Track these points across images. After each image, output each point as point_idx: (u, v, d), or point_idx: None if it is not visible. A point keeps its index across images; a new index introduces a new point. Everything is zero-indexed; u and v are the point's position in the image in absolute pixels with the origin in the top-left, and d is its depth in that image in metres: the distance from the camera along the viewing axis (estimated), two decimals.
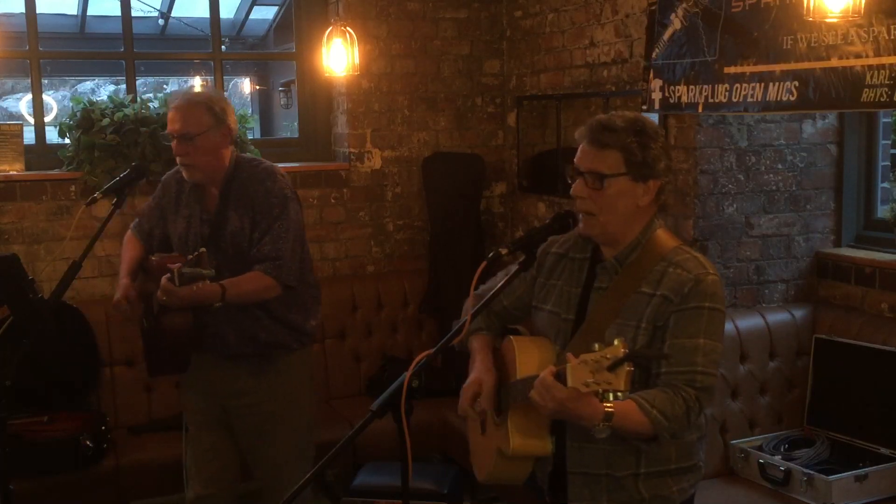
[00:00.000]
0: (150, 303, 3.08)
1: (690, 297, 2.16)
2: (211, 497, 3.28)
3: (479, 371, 2.38)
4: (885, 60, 2.78)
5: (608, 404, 1.95)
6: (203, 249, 2.84)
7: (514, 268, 2.36)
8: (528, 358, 2.29)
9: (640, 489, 2.24)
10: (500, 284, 2.30)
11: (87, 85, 12.49)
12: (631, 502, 2.24)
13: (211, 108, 3.04)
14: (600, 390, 1.90)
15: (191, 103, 3.06)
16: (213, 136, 3.04)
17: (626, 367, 1.87)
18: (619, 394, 1.89)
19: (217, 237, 3.07)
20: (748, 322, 3.71)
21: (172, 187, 3.22)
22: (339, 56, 4.55)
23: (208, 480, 3.28)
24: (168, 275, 2.83)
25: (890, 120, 3.97)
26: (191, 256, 2.81)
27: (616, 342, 1.89)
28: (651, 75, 3.79)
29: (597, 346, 1.92)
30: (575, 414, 2.01)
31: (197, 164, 3.05)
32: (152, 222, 3.27)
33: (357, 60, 4.58)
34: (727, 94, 3.39)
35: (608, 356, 1.88)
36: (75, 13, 9.24)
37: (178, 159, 3.07)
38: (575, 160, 2.25)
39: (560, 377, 2.00)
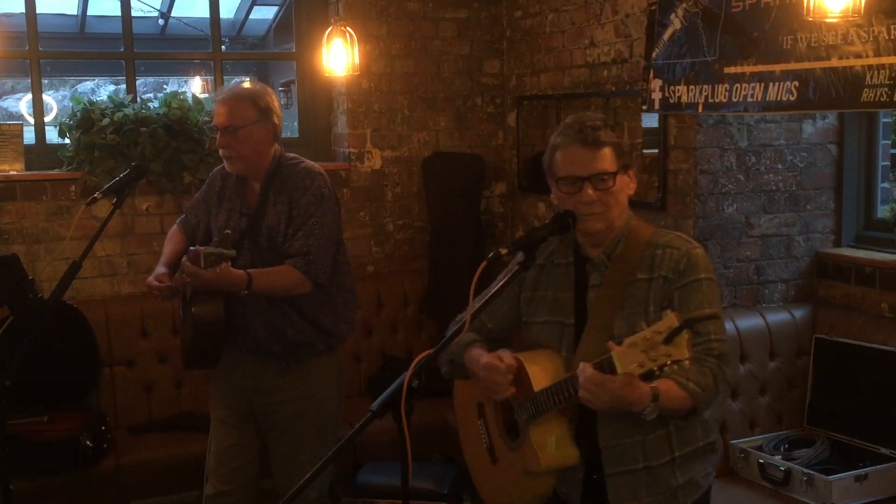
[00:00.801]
0: (184, 293, 3.13)
1: (687, 272, 2.22)
2: (229, 494, 3.28)
3: (493, 355, 2.32)
4: (885, 60, 2.78)
5: (653, 385, 2.00)
6: (228, 231, 2.87)
7: (493, 287, 2.35)
8: (540, 369, 2.28)
9: (676, 474, 2.26)
10: (500, 285, 2.29)
11: (87, 85, 12.48)
12: (667, 492, 2.27)
13: (256, 103, 3.09)
14: (656, 367, 1.91)
15: (236, 97, 3.11)
16: (256, 130, 3.08)
17: (685, 335, 1.89)
18: (683, 362, 1.90)
19: (254, 231, 3.11)
20: (748, 322, 3.72)
21: (217, 182, 3.27)
22: (339, 56, 4.55)
23: (228, 477, 3.28)
24: (192, 256, 2.88)
25: (890, 120, 3.97)
26: (216, 238, 2.84)
27: (665, 315, 1.91)
28: (651, 75, 3.79)
29: (642, 324, 1.94)
30: (628, 401, 2.02)
31: (238, 156, 3.09)
32: (198, 216, 3.31)
33: (357, 60, 4.58)
34: (727, 94, 3.39)
35: (661, 330, 1.90)
36: (75, 13, 9.23)
37: (220, 151, 3.12)
38: (567, 170, 2.24)
39: (602, 367, 2.01)
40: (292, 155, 3.26)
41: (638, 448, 2.25)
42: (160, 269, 3.19)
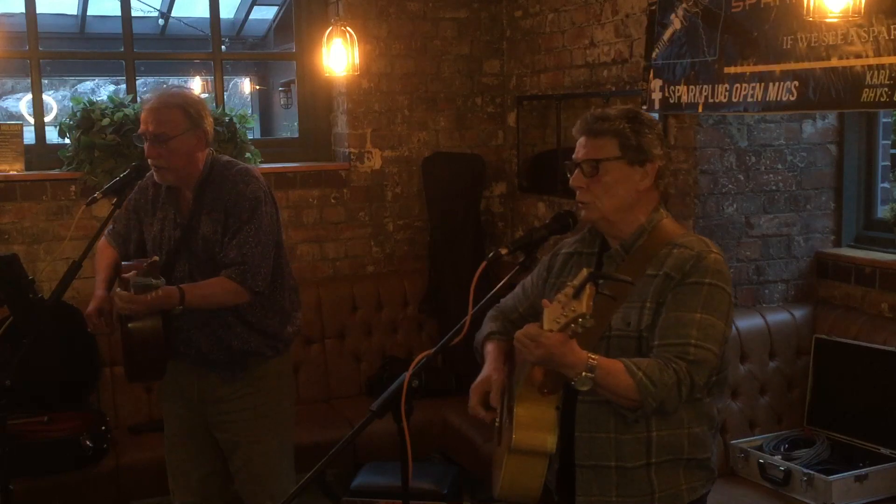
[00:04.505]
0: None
1: (691, 273, 2.16)
2: None
3: (488, 370, 2.36)
4: (885, 60, 2.78)
5: (592, 356, 2.00)
6: (156, 258, 2.75)
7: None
8: None
9: (651, 479, 2.20)
10: (500, 284, 2.29)
11: (87, 85, 12.48)
12: (640, 496, 2.22)
13: (186, 110, 2.95)
14: (568, 321, 1.92)
15: (166, 105, 2.95)
16: (188, 139, 2.95)
17: (588, 290, 1.89)
18: (585, 318, 1.90)
19: (189, 241, 3.00)
20: (748, 322, 3.71)
21: (149, 190, 3.11)
22: (339, 56, 4.55)
23: (194, 488, 3.25)
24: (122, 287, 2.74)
25: (890, 120, 3.97)
26: (144, 265, 2.72)
27: (581, 270, 1.93)
28: (651, 75, 3.79)
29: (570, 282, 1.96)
30: (560, 361, 2.02)
31: (170, 167, 2.96)
32: (129, 226, 3.17)
33: (357, 60, 4.58)
34: (727, 94, 3.39)
35: (575, 284, 1.91)
36: (75, 13, 9.24)
37: (150, 161, 2.97)
38: (573, 156, 2.28)
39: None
40: (226, 158, 3.14)
41: (610, 444, 2.20)
42: (99, 292, 3.03)
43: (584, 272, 1.91)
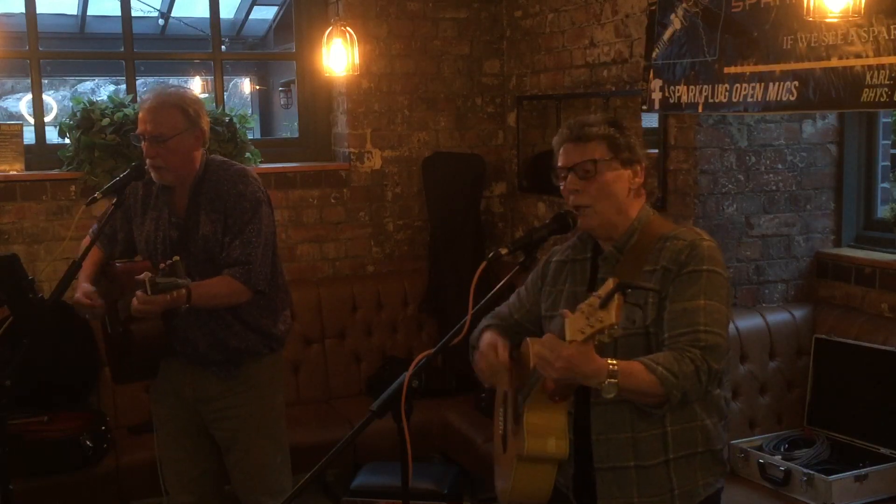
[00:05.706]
0: (115, 309, 2.99)
1: (688, 262, 2.19)
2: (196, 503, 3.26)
3: (490, 338, 2.38)
4: (885, 60, 2.78)
5: (611, 361, 1.98)
6: (177, 258, 2.74)
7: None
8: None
9: (671, 476, 2.22)
10: (500, 284, 2.29)
11: (87, 85, 12.48)
12: (661, 495, 2.23)
13: (184, 110, 2.96)
14: (594, 332, 1.90)
15: (164, 104, 2.96)
16: (186, 138, 2.96)
17: (616, 301, 1.87)
18: (613, 328, 1.89)
19: (187, 241, 3.01)
20: (748, 322, 3.71)
21: (139, 189, 3.11)
22: (339, 56, 4.56)
23: (190, 487, 3.26)
24: (141, 290, 2.70)
25: (890, 120, 3.97)
26: (163, 266, 2.71)
27: (608, 280, 1.91)
28: (651, 75, 3.79)
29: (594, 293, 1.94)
30: (581, 371, 1.99)
31: (168, 167, 2.96)
32: (116, 226, 3.17)
33: (357, 60, 4.58)
34: (727, 94, 3.39)
35: (600, 294, 1.90)
36: (75, 13, 9.25)
37: (147, 161, 2.97)
38: (560, 164, 2.30)
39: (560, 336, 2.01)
40: (220, 158, 3.15)
41: (628, 444, 2.22)
42: (85, 286, 3.04)
43: (611, 282, 1.90)
